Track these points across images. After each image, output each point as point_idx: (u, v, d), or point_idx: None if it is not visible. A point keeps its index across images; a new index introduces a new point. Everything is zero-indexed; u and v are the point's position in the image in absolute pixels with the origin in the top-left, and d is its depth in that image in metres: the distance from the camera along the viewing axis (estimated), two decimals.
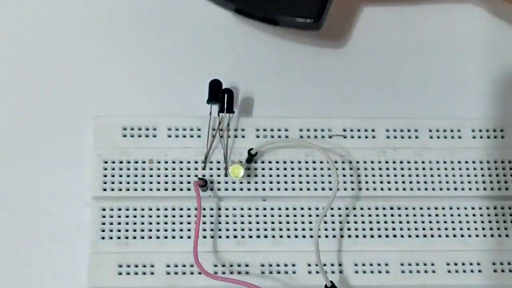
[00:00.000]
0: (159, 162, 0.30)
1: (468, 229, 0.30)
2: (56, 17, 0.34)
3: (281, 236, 0.30)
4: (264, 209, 0.30)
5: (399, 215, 0.30)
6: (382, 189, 0.31)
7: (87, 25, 0.33)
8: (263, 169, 0.31)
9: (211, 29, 0.34)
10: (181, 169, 0.30)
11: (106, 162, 0.30)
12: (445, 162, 0.31)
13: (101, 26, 0.33)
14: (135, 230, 0.30)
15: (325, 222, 0.30)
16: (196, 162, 0.30)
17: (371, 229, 0.30)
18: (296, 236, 0.30)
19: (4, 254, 0.30)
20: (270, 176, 0.31)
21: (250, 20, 0.32)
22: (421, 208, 0.30)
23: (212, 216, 0.30)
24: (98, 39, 0.33)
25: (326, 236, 0.30)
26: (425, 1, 0.34)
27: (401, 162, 0.31)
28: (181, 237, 0.29)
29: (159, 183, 0.30)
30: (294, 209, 0.30)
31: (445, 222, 0.30)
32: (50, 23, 0.34)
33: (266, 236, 0.30)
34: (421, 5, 0.34)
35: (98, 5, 0.34)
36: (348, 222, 0.30)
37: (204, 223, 0.30)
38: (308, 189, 0.30)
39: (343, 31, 0.34)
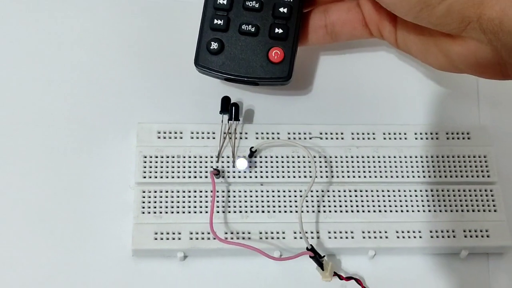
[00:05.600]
0: (184, 157, 0.33)
1: (412, 206, 0.33)
2: (108, 43, 0.36)
3: (274, 211, 0.33)
4: (262, 191, 0.33)
5: (361, 196, 0.33)
6: (349, 177, 0.34)
7: (134, 53, 0.36)
8: (261, 162, 0.33)
9: None
10: (201, 162, 0.33)
11: (145, 157, 0.33)
12: (395, 157, 0.34)
13: (144, 52, 0.36)
14: (167, 207, 0.32)
15: (307, 201, 0.33)
16: (212, 157, 0.33)
17: (340, 206, 0.33)
18: (285, 211, 0.33)
19: (70, 225, 0.33)
20: (266, 167, 0.33)
21: None
22: (377, 191, 0.33)
23: (223, 196, 0.33)
24: (140, 65, 0.36)
25: (307, 211, 0.33)
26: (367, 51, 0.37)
27: (363, 157, 0.34)
28: (201, 212, 0.32)
29: (184, 172, 0.33)
30: (284, 191, 0.33)
31: (395, 201, 0.33)
32: (105, 48, 0.36)
33: (263, 211, 0.32)
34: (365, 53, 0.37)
35: (139, 41, 0.36)
36: (323, 201, 0.33)
37: (217, 201, 0.32)
38: (294, 177, 0.33)
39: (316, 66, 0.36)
